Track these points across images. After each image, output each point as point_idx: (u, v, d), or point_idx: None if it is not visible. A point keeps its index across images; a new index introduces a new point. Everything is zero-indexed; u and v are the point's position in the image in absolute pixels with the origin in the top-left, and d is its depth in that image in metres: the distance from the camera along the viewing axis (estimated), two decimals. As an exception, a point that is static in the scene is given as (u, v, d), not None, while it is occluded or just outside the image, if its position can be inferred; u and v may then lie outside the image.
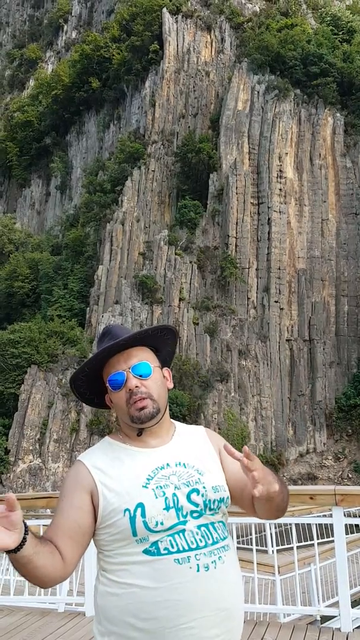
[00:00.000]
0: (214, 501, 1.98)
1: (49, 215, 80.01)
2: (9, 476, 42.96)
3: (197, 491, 1.96)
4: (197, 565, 1.86)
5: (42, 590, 7.08)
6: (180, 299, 54.10)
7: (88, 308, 56.68)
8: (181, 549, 1.87)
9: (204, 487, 1.98)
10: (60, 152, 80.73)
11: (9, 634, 5.33)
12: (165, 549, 1.86)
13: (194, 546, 1.88)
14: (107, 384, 2.10)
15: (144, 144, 64.48)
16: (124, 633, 1.86)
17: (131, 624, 1.84)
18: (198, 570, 1.86)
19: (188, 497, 1.95)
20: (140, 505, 1.89)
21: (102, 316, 53.13)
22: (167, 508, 1.90)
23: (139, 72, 70.23)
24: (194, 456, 2.07)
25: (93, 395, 2.23)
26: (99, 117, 77.29)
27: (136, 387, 2.05)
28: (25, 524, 1.73)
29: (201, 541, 1.90)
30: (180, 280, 54.77)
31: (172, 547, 1.87)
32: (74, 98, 77.23)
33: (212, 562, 1.89)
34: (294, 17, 69.64)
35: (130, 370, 2.06)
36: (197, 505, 1.95)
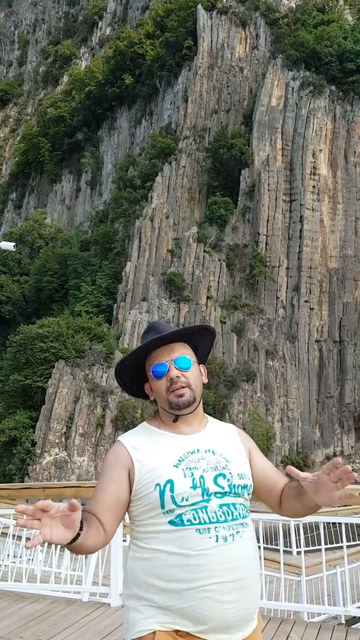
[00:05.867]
0: (238, 486, 2.14)
1: (78, 211, 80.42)
2: (35, 468, 43.24)
3: (224, 475, 2.13)
4: (217, 536, 2.03)
5: (68, 579, 7.42)
6: (208, 297, 53.63)
7: (115, 305, 56.62)
8: (202, 521, 2.04)
9: (230, 473, 2.14)
10: (92, 148, 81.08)
11: (35, 620, 5.49)
12: (189, 520, 2.04)
13: (214, 520, 2.05)
14: (150, 373, 2.28)
15: (175, 140, 64.21)
16: (145, 595, 2.05)
17: (154, 585, 2.04)
18: (217, 541, 2.03)
19: (215, 480, 2.11)
20: (170, 481, 2.07)
21: (129, 313, 53.01)
22: (194, 487, 2.07)
23: (172, 68, 70.07)
24: (223, 446, 2.23)
25: (133, 384, 2.41)
26: (131, 112, 77.37)
27: (177, 377, 2.23)
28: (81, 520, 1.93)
29: (221, 517, 2.07)
30: (209, 278, 54.29)
31: (195, 519, 2.04)
32: (106, 94, 77.50)
33: (231, 535, 2.05)
34: (330, 13, 68.57)
35: (172, 362, 2.26)
36: (222, 487, 2.11)
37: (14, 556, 8.28)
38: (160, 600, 2.03)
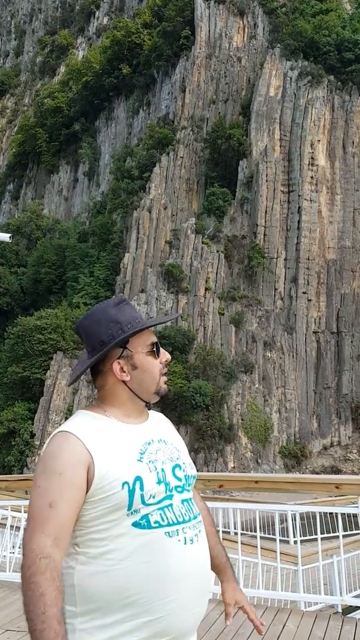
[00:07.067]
0: (191, 477, 2.04)
1: (76, 202, 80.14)
2: (34, 459, 43.43)
3: (180, 466, 2.00)
4: (185, 538, 1.88)
5: None
6: (206, 289, 53.59)
7: (113, 296, 56.54)
8: (171, 522, 1.87)
9: (183, 463, 2.03)
10: (89, 138, 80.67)
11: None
12: (156, 522, 1.85)
13: (181, 520, 1.90)
14: (153, 349, 2.05)
15: (173, 130, 63.89)
16: (100, 613, 1.78)
17: (114, 601, 1.78)
18: (185, 543, 1.88)
19: (173, 471, 1.97)
20: (139, 478, 1.86)
21: (128, 304, 52.91)
22: (159, 482, 1.90)
23: (170, 58, 69.60)
24: (169, 435, 2.10)
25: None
26: (129, 103, 76.90)
27: (170, 361, 2.12)
28: None
29: (186, 515, 1.92)
30: (207, 269, 54.23)
31: (163, 520, 1.86)
32: (103, 84, 77.00)
33: (195, 536, 1.93)
34: (328, 2, 68.06)
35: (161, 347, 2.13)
36: (180, 479, 1.98)
37: (13, 547, 8.35)
38: (120, 617, 1.77)
